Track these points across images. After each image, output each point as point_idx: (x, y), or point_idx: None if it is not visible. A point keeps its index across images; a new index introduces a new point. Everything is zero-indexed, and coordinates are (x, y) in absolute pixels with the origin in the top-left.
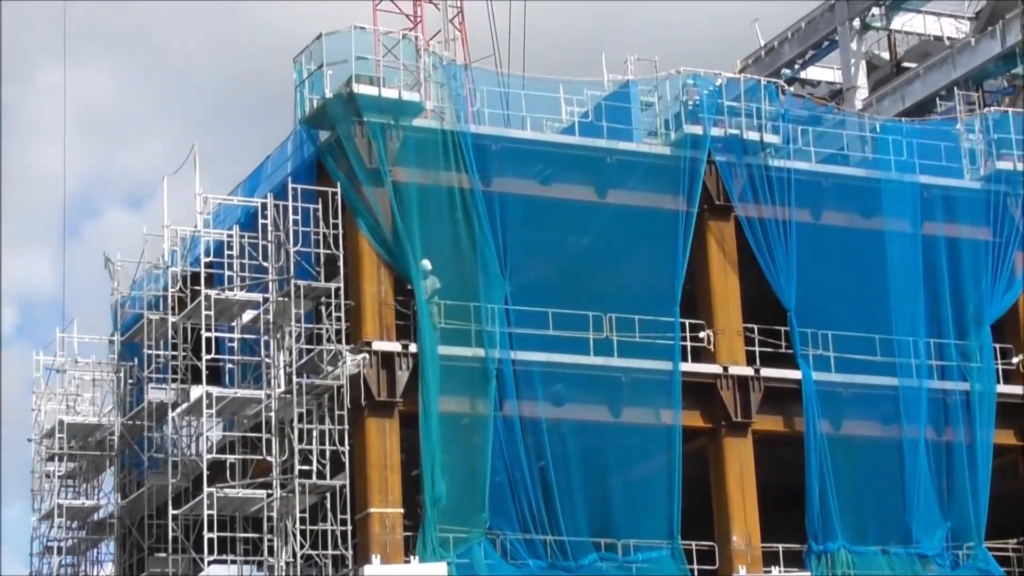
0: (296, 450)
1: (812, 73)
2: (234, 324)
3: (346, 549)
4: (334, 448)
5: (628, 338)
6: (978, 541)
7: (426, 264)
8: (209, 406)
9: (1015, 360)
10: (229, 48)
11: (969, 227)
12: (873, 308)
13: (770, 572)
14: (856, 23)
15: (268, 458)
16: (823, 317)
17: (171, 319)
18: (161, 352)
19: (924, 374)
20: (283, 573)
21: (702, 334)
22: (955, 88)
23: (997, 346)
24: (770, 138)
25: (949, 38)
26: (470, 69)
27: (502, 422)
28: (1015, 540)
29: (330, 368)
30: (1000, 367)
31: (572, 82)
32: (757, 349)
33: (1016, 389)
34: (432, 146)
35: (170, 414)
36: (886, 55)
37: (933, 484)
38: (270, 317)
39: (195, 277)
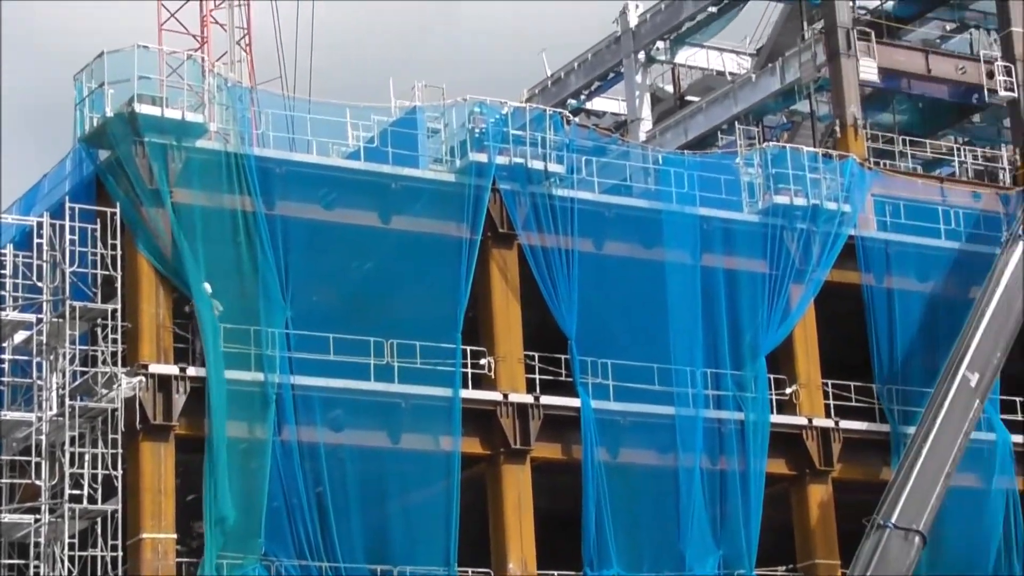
0: (67, 474)
1: (598, 104)
2: (5, 345)
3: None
4: (107, 472)
5: (409, 364)
6: (749, 568)
7: (206, 287)
8: None
9: (788, 391)
10: (8, 62)
11: (747, 259)
12: (652, 338)
13: None
14: (641, 56)
15: (37, 482)
16: (603, 346)
17: None
18: None
19: (700, 403)
20: None
21: (483, 361)
22: (736, 123)
23: (772, 376)
24: (554, 167)
25: (731, 73)
26: (256, 91)
27: (280, 447)
28: (784, 568)
29: (104, 391)
30: (774, 397)
31: (359, 107)
32: (537, 377)
33: (789, 419)
34: (215, 168)
35: None
36: (670, 88)
37: (707, 512)
38: (43, 338)
39: None
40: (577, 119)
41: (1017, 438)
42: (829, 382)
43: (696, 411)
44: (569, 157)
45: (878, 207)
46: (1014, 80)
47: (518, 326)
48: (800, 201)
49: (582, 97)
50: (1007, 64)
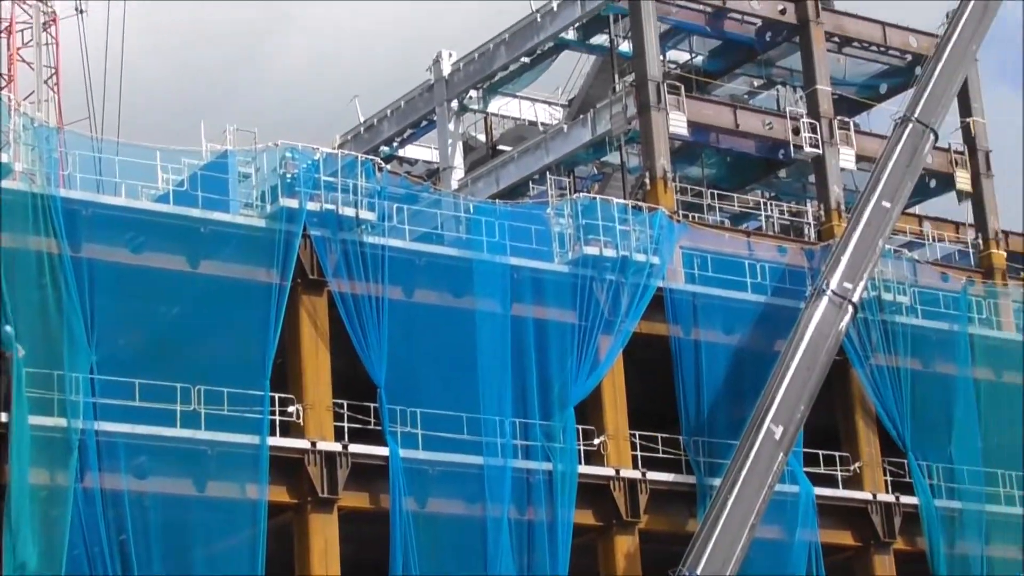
0: None
1: (410, 151)
2: None
3: None
4: None
5: (216, 411)
6: None
7: (8, 330)
8: None
9: (596, 441)
10: None
11: (556, 310)
12: (462, 387)
13: None
14: (454, 104)
15: None
16: (413, 394)
17: None
18: None
19: (509, 453)
20: None
21: (291, 408)
22: (547, 173)
23: (580, 427)
24: (366, 214)
25: (543, 123)
26: (63, 132)
27: (83, 494)
28: None
29: None
30: (582, 448)
31: (169, 150)
32: (346, 425)
33: (597, 470)
34: (21, 209)
35: None
36: (482, 137)
37: (514, 562)
38: None
39: None
40: (389, 166)
41: (820, 491)
42: (637, 433)
43: (504, 461)
44: (381, 204)
45: (686, 259)
46: (819, 137)
47: (327, 373)
48: (610, 252)
49: (395, 144)
50: (812, 121)
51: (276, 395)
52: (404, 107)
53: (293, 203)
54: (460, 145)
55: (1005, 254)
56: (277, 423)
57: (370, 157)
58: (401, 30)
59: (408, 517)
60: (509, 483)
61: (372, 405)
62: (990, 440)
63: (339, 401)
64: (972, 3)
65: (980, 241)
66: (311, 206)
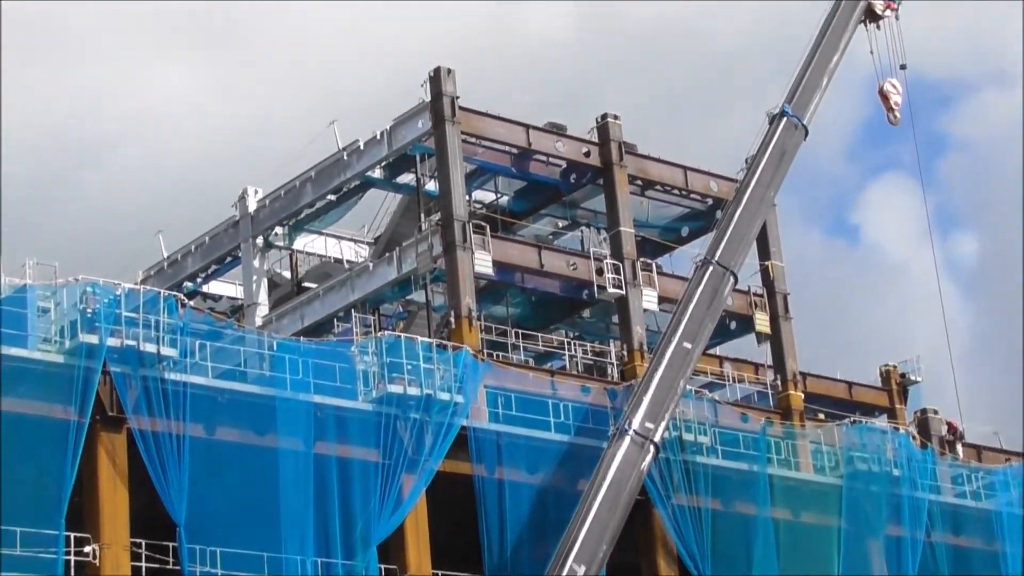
0: None
1: (214, 288)
2: None
3: None
4: None
5: (9, 552)
6: None
7: None
8: None
9: None
10: None
11: (360, 448)
12: (264, 525)
13: None
14: (259, 241)
15: None
16: (213, 533)
17: None
18: None
19: None
20: None
21: (87, 548)
22: (352, 310)
23: (383, 567)
24: (167, 351)
25: (349, 261)
26: None
27: None
28: None
29: None
30: None
31: None
32: (144, 565)
33: None
34: None
35: None
36: (287, 274)
37: None
38: None
39: None
40: (192, 302)
41: None
42: (439, 573)
43: None
44: (183, 340)
45: (490, 398)
46: (622, 278)
47: (125, 512)
48: (414, 391)
49: (199, 280)
50: (615, 262)
51: (72, 535)
52: (209, 243)
53: (93, 339)
54: (265, 282)
55: (803, 395)
56: (72, 563)
57: (173, 293)
58: (208, 165)
59: None
60: None
61: (172, 544)
62: None
63: (137, 540)
64: (770, 150)
65: (779, 382)
66: (111, 342)
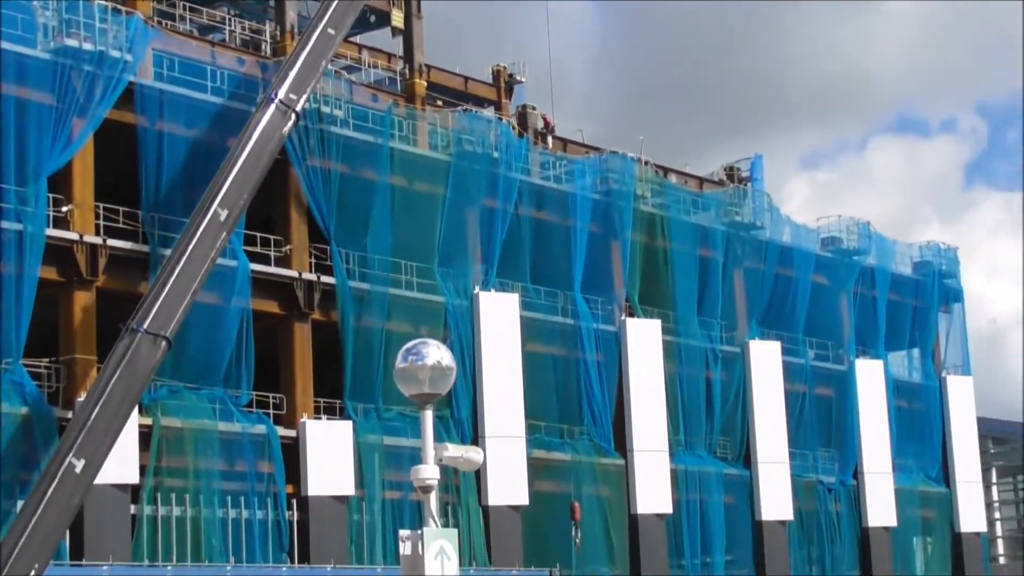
0: None
1: None
2: None
3: None
4: None
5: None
6: (17, 359)
7: None
8: None
9: (65, 209)
10: None
11: (37, 92)
12: None
13: None
14: None
15: None
16: None
17: None
18: None
19: None
20: None
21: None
22: None
23: (51, 195)
24: None
25: None
26: None
27: None
28: (48, 360)
29: None
30: (52, 214)
31: None
32: None
33: (62, 233)
34: None
35: None
36: None
37: None
38: None
39: None
40: None
41: (255, 267)
42: (101, 205)
43: None
44: None
45: (156, 60)
46: None
47: None
48: (88, 46)
49: None
50: None
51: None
52: None
53: None
54: None
55: (426, 84)
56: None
57: None
58: None
59: None
60: None
61: None
62: (399, 236)
63: None
64: None
65: (407, 71)
66: None
